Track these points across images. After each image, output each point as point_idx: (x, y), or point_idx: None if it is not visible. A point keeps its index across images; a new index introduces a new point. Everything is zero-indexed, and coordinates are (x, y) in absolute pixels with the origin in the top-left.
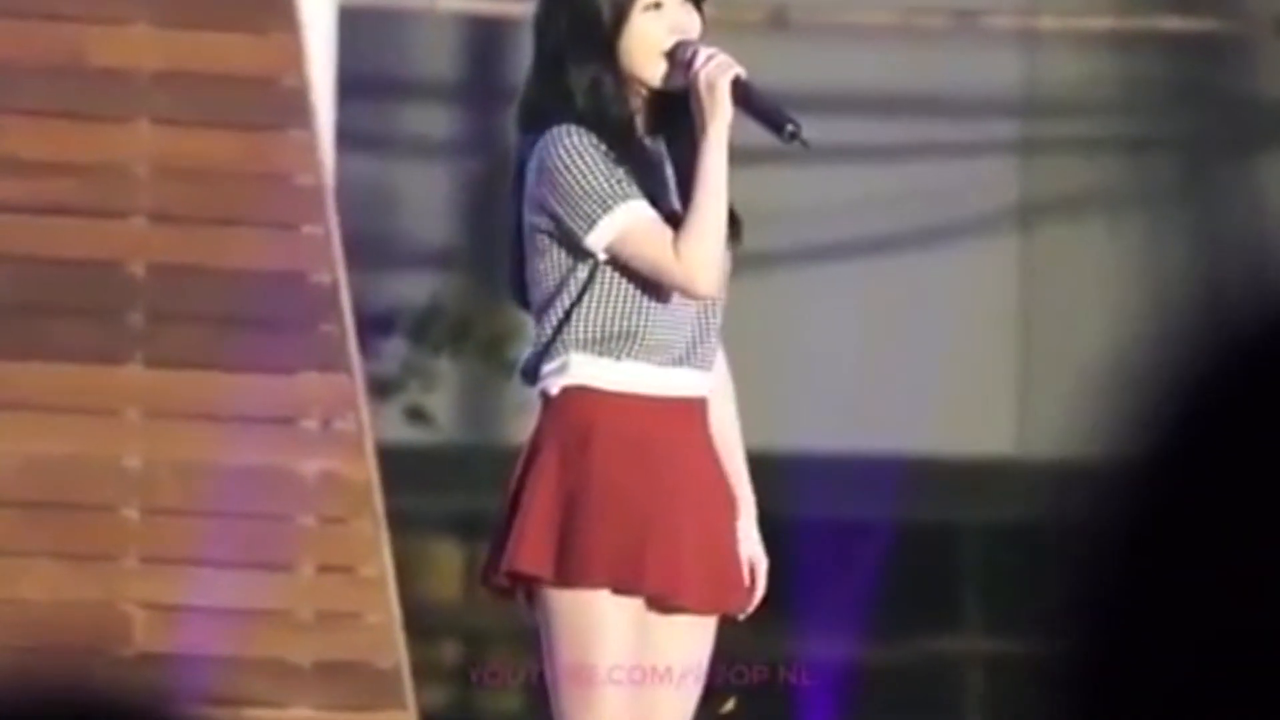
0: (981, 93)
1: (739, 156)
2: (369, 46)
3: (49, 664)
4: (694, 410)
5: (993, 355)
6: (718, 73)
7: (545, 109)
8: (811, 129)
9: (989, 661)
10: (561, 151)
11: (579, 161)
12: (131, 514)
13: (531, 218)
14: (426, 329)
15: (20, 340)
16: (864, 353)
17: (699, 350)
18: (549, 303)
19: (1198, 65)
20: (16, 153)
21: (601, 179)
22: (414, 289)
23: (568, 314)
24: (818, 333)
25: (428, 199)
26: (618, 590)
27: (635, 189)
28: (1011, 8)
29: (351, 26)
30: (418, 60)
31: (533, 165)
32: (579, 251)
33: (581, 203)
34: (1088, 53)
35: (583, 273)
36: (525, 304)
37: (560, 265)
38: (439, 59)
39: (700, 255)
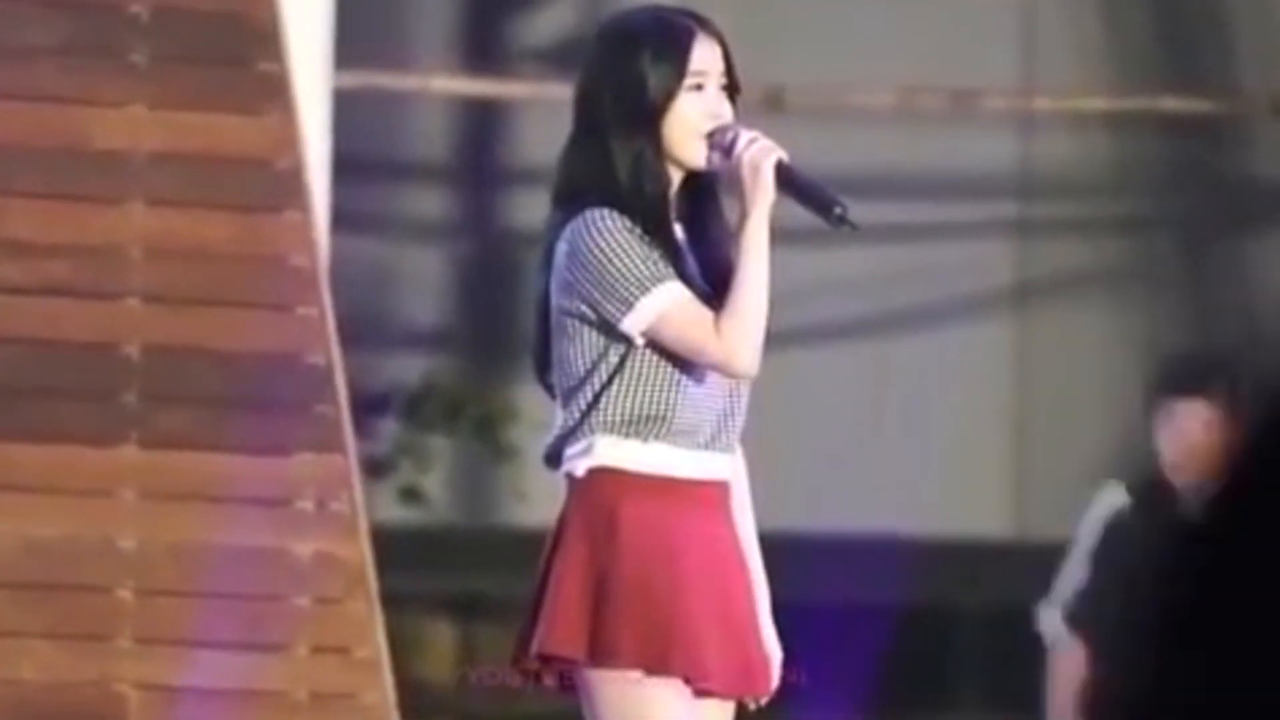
0: (978, 173)
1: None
2: (363, 128)
3: None
4: (719, 493)
5: (988, 435)
6: (761, 156)
7: (584, 185)
8: (807, 210)
9: None
10: (595, 235)
11: (614, 245)
12: (126, 595)
13: (561, 301)
14: (420, 409)
15: (14, 421)
16: (857, 432)
17: (724, 434)
18: (578, 387)
19: (1194, 146)
20: (11, 234)
21: (638, 261)
22: (407, 369)
23: (597, 397)
24: (810, 412)
25: (421, 279)
26: (649, 671)
27: (670, 270)
28: (1008, 89)
29: (346, 108)
30: (412, 141)
31: (562, 249)
32: (612, 335)
33: (618, 286)
34: (1084, 134)
35: (614, 356)
36: (546, 382)
37: (591, 349)
38: (433, 140)
39: (741, 335)
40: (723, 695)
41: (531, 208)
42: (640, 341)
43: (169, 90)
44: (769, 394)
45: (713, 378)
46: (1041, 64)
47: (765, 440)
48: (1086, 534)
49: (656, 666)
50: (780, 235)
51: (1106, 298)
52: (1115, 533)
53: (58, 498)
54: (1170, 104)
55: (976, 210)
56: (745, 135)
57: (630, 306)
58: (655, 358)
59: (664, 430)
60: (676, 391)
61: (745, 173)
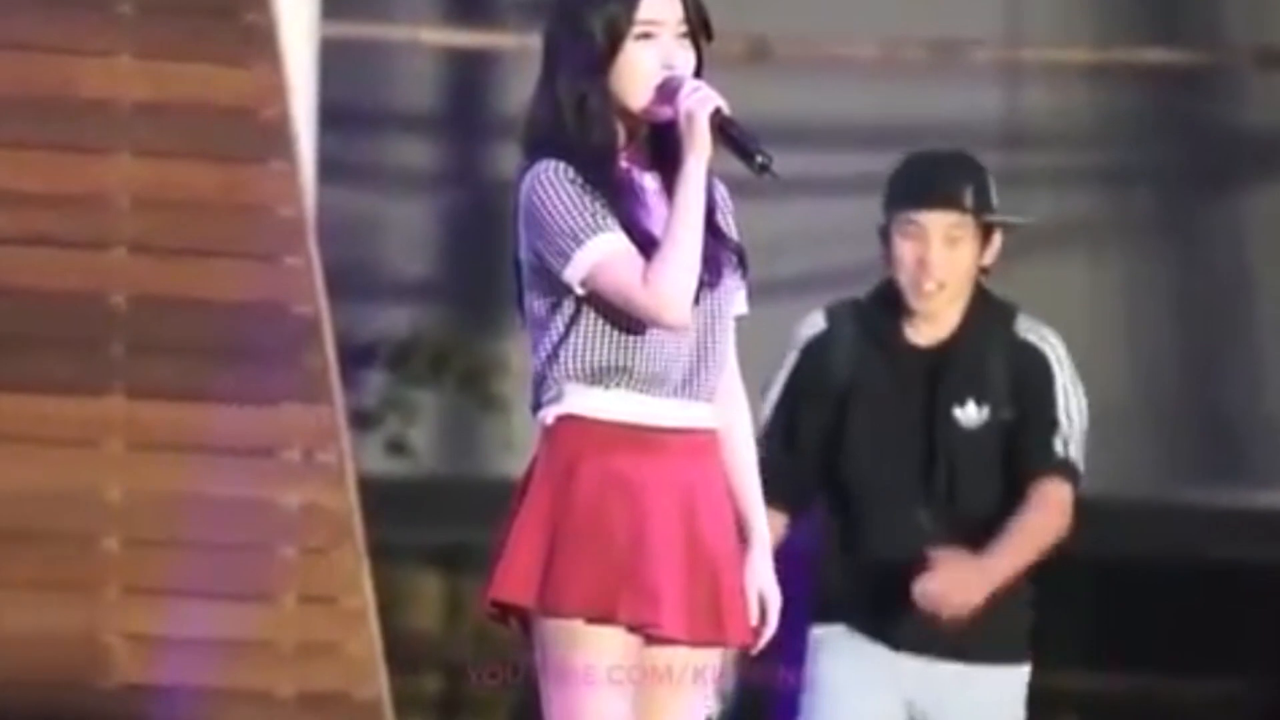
0: (962, 125)
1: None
2: (351, 78)
3: (31, 695)
4: (692, 441)
5: None
6: (698, 105)
7: (538, 130)
8: (792, 161)
9: None
10: (538, 188)
11: (554, 198)
12: (112, 545)
13: (520, 254)
14: (407, 361)
15: (1, 370)
16: None
17: (696, 381)
18: (541, 336)
19: (1178, 97)
20: None
21: (576, 214)
22: (395, 321)
23: (557, 347)
24: None
25: (409, 231)
26: (593, 620)
27: (611, 221)
28: (992, 40)
29: (334, 58)
30: (400, 92)
31: (518, 202)
32: (563, 286)
33: (557, 239)
34: (1068, 85)
35: (570, 307)
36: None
37: (548, 300)
38: (421, 91)
39: (669, 284)
40: (687, 643)
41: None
42: (581, 292)
43: (155, 40)
44: (753, 345)
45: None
46: (1026, 16)
47: (751, 391)
48: (782, 364)
49: (604, 614)
50: (762, 188)
51: (1090, 249)
52: (815, 354)
53: (44, 448)
54: (1154, 55)
55: None
56: (689, 84)
57: (567, 259)
58: (611, 307)
59: (627, 378)
60: (636, 340)
61: (682, 121)
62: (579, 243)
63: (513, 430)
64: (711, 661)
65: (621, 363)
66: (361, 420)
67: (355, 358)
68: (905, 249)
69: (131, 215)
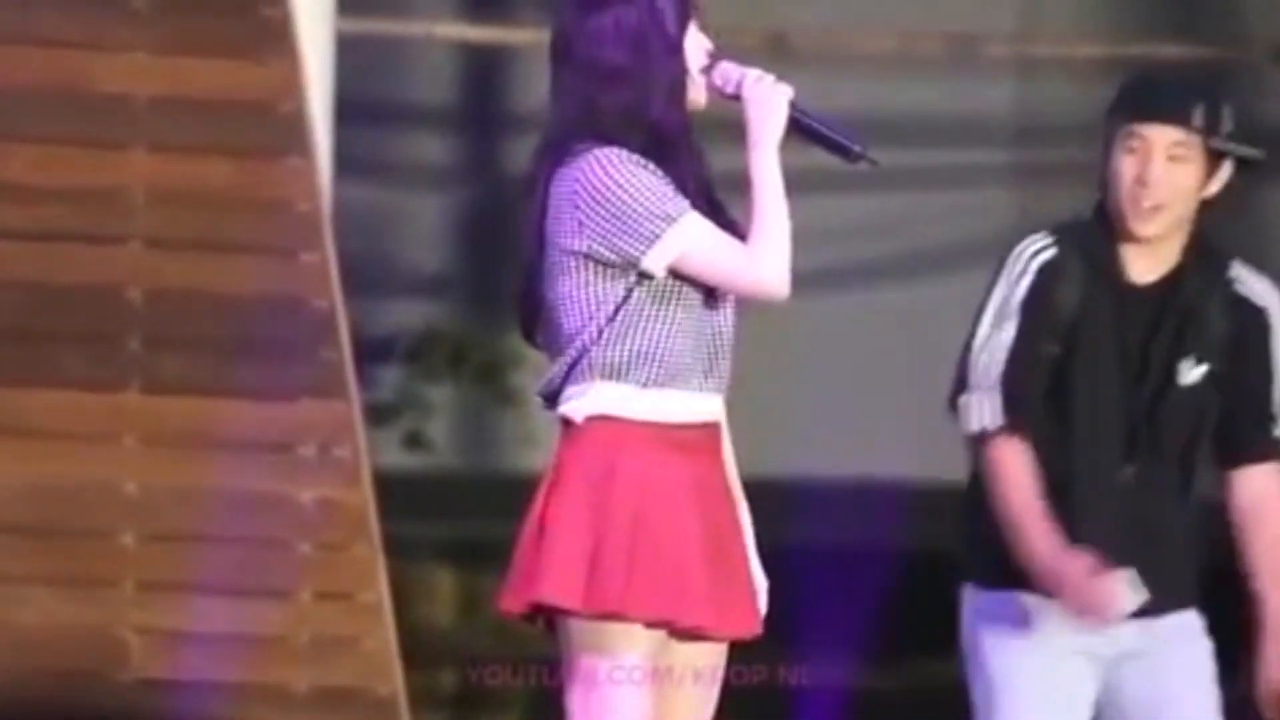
0: (977, 119)
1: (730, 184)
2: (367, 73)
3: (46, 689)
4: (714, 434)
5: None
6: (773, 93)
7: (606, 115)
8: (806, 155)
9: None
10: (611, 171)
11: (632, 181)
12: (128, 540)
13: (566, 242)
14: (424, 356)
15: (18, 366)
16: (858, 379)
17: (715, 374)
18: (578, 327)
19: None
20: (14, 179)
21: (658, 196)
22: (411, 315)
23: (596, 338)
24: (813, 358)
25: (425, 225)
26: (651, 625)
27: (686, 202)
28: (1007, 35)
29: (350, 53)
30: (416, 87)
31: (565, 190)
32: (616, 275)
33: (643, 222)
34: (1083, 79)
35: (616, 296)
36: (529, 326)
37: (594, 289)
38: (437, 86)
39: (774, 257)
40: (714, 637)
41: None
42: (661, 275)
43: (171, 35)
44: (769, 339)
45: (702, 320)
46: (1041, 10)
47: (765, 385)
48: (1012, 284)
49: (662, 619)
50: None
51: None
52: (1052, 278)
53: (60, 443)
54: (1169, 50)
55: (975, 156)
56: (753, 73)
57: (654, 240)
58: (652, 300)
59: (660, 373)
60: (672, 333)
61: (752, 110)
62: (670, 222)
63: (531, 425)
64: (720, 660)
65: (658, 354)
66: (378, 415)
67: (372, 352)
68: (1124, 164)
69: (147, 210)
